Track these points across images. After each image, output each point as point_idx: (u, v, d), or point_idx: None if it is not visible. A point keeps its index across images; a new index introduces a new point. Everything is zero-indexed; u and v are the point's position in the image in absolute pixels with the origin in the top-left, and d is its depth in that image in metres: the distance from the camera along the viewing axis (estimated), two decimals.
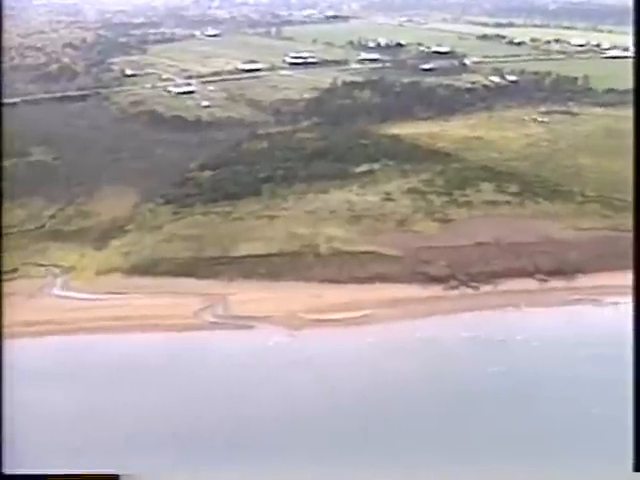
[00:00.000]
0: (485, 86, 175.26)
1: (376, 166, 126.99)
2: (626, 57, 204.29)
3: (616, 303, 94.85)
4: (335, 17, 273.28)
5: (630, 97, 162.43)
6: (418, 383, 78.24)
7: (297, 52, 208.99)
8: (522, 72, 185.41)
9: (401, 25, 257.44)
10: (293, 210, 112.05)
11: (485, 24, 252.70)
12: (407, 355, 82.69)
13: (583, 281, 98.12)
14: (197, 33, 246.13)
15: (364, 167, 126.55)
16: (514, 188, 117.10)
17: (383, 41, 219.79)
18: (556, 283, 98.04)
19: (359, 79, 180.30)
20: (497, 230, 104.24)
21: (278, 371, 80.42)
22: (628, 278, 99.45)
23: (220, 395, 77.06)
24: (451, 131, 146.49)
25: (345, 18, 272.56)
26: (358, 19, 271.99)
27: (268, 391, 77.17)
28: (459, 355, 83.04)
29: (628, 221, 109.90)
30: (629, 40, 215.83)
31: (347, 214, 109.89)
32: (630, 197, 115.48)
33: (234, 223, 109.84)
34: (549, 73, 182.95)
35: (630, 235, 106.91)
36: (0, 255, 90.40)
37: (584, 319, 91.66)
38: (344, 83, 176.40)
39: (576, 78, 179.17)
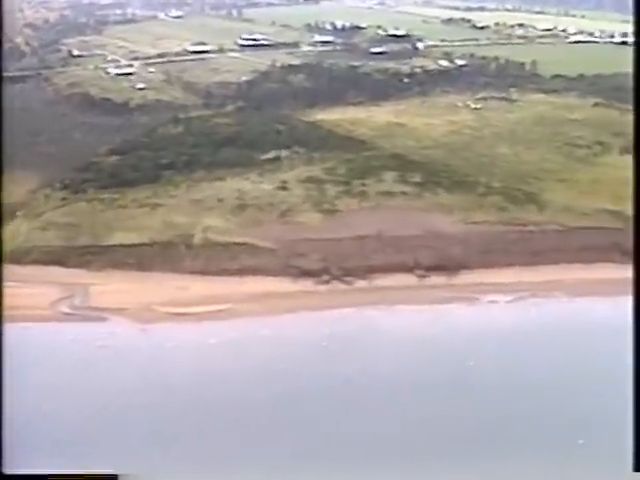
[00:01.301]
0: (427, 71, 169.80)
1: (284, 153, 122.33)
2: (589, 42, 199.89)
3: (494, 302, 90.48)
4: None
5: (576, 84, 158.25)
6: (250, 381, 74.29)
7: (251, 34, 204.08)
8: (472, 56, 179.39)
9: (370, 8, 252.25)
10: (180, 198, 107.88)
11: (456, 8, 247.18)
12: (248, 352, 78.55)
13: (464, 278, 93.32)
14: (160, 14, 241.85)
15: (271, 154, 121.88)
16: (418, 178, 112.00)
17: (342, 24, 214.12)
18: (435, 279, 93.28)
19: (297, 62, 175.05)
20: (383, 223, 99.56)
21: (106, 366, 76.70)
22: (512, 275, 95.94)
23: (41, 387, 73.34)
24: (376, 117, 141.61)
25: (316, 0, 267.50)
26: (329, 1, 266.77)
27: (89, 385, 73.61)
28: (304, 354, 78.76)
29: (526, 215, 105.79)
30: (599, 25, 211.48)
31: (234, 203, 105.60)
32: (534, 188, 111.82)
33: (115, 211, 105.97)
34: (497, 58, 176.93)
35: (524, 229, 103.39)
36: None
37: (454, 318, 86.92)
38: (282, 66, 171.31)
39: (523, 63, 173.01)
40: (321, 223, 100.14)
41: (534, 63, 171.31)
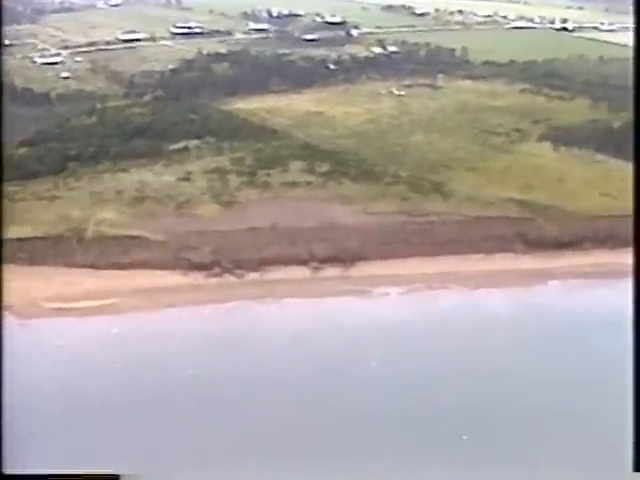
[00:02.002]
0: (354, 58, 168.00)
1: (194, 143, 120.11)
2: (527, 28, 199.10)
3: (386, 294, 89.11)
4: None
5: (506, 70, 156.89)
6: (120, 377, 72.38)
7: (186, 22, 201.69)
8: (403, 43, 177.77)
9: None
10: (80, 190, 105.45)
11: None
12: (123, 348, 76.78)
13: (359, 270, 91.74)
14: (99, 2, 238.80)
15: (181, 144, 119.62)
16: (325, 168, 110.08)
17: (278, 11, 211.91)
18: (329, 272, 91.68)
19: (224, 50, 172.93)
20: (281, 214, 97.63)
21: None
22: (409, 267, 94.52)
23: None
24: (295, 105, 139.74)
25: None
26: None
27: None
28: (178, 350, 77.03)
29: (429, 205, 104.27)
30: (540, 11, 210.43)
31: (132, 195, 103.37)
32: (443, 177, 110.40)
33: (13, 204, 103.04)
34: (428, 44, 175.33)
35: (425, 220, 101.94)
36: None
37: (343, 311, 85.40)
38: (208, 54, 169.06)
39: (454, 50, 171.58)
40: (217, 215, 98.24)
41: (465, 49, 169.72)
